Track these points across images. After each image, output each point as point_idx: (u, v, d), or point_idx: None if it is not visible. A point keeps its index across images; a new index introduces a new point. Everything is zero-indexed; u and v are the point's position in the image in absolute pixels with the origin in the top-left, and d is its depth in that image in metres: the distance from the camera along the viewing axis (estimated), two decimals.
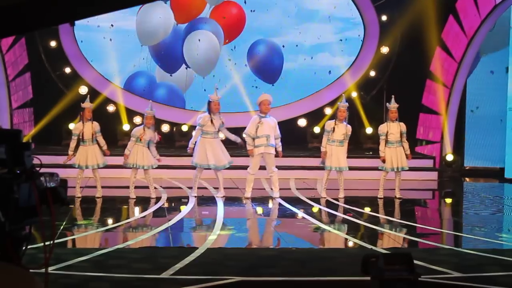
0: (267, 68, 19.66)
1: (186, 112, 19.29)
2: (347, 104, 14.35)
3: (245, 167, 14.21)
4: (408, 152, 14.27)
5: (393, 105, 14.24)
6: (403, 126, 14.26)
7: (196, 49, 19.07)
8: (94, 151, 13.75)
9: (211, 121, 13.91)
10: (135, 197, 13.66)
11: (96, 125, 13.79)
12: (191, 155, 14.06)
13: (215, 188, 14.37)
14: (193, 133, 14.23)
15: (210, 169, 14.02)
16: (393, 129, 14.20)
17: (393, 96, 14.41)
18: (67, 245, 9.87)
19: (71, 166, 13.75)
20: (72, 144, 13.70)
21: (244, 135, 14.01)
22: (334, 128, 14.12)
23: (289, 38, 19.80)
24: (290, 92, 19.72)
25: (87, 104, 13.82)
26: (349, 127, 14.25)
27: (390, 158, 14.20)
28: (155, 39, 19.15)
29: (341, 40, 19.90)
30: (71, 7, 3.29)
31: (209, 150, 13.87)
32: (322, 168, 14.35)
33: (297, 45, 19.79)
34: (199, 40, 19.07)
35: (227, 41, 19.44)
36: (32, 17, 3.26)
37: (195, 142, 13.95)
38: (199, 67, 19.26)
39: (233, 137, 14.19)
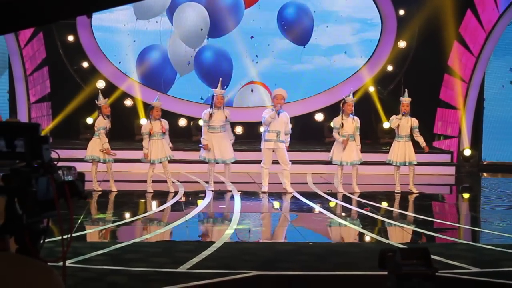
0: (298, 29, 19.64)
1: (203, 106, 19.29)
2: (354, 98, 14.33)
3: (260, 162, 14.22)
4: (424, 144, 14.20)
5: (406, 98, 14.18)
6: (414, 121, 14.17)
7: (185, 22, 19.19)
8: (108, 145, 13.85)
9: (210, 115, 13.89)
10: (152, 191, 13.69)
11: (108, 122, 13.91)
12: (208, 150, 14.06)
13: (232, 182, 14.36)
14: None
15: (218, 163, 14.05)
16: (403, 122, 14.14)
17: (406, 89, 14.36)
18: (84, 239, 9.91)
19: (83, 160, 13.78)
20: (104, 137, 13.74)
21: (264, 126, 13.96)
22: (342, 123, 14.09)
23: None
24: (307, 87, 19.69)
25: (104, 101, 13.86)
26: (357, 118, 14.18)
27: (398, 152, 14.16)
28: (151, 15, 19.18)
29: (358, 41, 19.80)
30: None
31: (215, 145, 13.89)
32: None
33: (314, 46, 19.74)
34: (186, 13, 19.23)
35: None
36: (50, 9, 3.27)
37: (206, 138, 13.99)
38: (188, 39, 19.32)
39: (230, 135, 14.18)
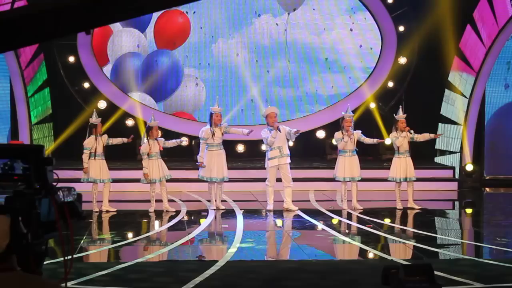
0: None
1: (203, 126, 19.28)
2: (352, 114, 14.35)
3: (262, 180, 14.20)
4: (433, 135, 14.40)
5: (401, 115, 14.21)
6: (409, 132, 14.14)
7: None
8: (106, 165, 13.81)
9: (213, 134, 13.91)
10: (154, 210, 13.66)
11: (105, 137, 13.88)
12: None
13: (234, 201, 14.34)
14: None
15: (215, 182, 13.99)
16: (402, 139, 14.14)
17: (400, 106, 14.37)
18: (87, 259, 9.89)
19: (81, 181, 13.74)
20: (85, 157, 13.68)
21: (266, 146, 13.95)
22: (343, 138, 14.12)
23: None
24: (308, 104, 19.73)
25: (98, 120, 13.87)
26: (356, 131, 14.23)
27: (399, 168, 14.16)
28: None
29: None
30: (89, 14, 3.30)
31: (213, 163, 13.89)
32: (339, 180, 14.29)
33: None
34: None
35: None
36: (50, 25, 3.27)
37: (203, 156, 13.99)
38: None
39: (242, 131, 14.13)
